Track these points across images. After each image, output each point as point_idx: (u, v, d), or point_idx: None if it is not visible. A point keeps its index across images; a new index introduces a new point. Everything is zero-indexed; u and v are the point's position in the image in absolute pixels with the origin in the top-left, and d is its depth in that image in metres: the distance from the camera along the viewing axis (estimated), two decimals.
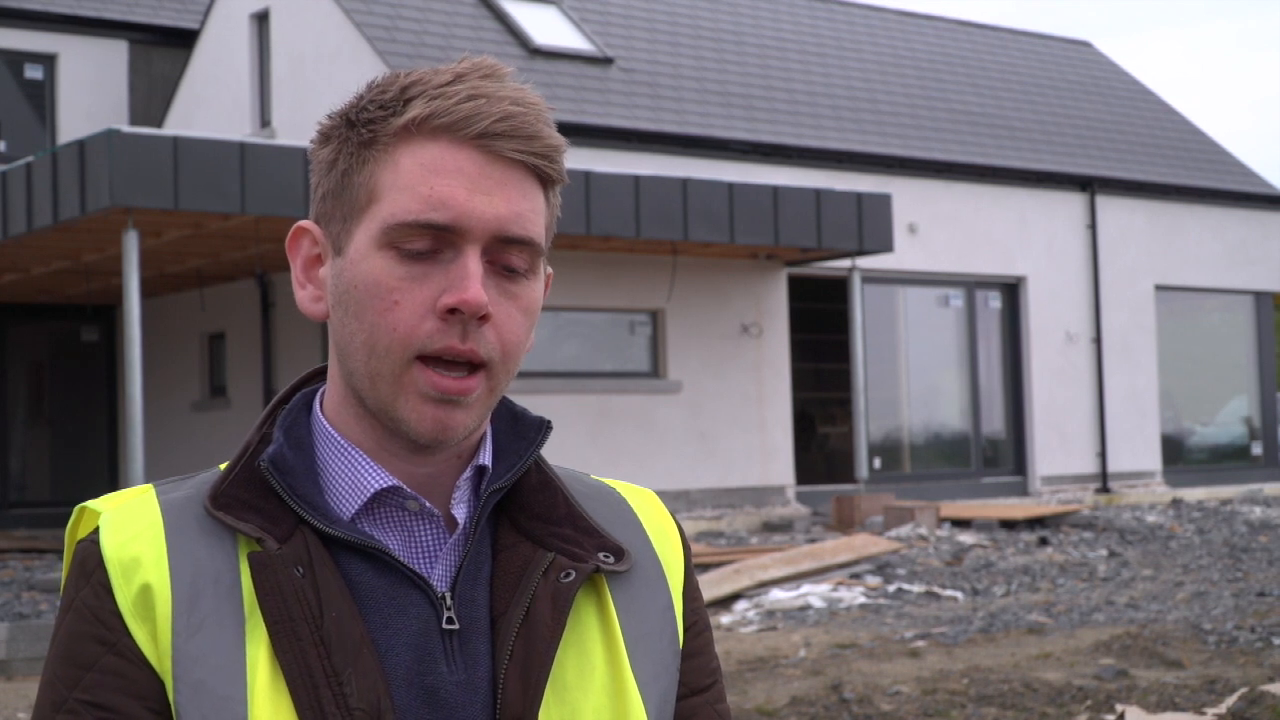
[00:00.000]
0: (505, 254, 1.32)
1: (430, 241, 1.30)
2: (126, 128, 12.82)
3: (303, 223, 1.40)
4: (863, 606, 10.74)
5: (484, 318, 1.30)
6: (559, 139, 1.35)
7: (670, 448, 16.75)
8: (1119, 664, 7.92)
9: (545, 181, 1.36)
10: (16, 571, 13.63)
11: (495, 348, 1.32)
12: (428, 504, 1.35)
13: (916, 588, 11.37)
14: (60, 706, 1.28)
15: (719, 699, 1.46)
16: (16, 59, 20.38)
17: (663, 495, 16.41)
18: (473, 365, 1.31)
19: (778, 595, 11.11)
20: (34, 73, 20.48)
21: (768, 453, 17.53)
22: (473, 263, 1.30)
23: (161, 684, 1.28)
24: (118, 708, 1.27)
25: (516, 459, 1.39)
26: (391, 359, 1.30)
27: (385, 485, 1.34)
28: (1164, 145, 22.87)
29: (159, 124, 20.07)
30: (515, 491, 1.40)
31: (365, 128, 1.34)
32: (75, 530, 1.38)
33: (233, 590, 1.29)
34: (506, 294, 1.33)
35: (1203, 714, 6.61)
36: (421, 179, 1.30)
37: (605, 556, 1.38)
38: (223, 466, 1.39)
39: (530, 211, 1.33)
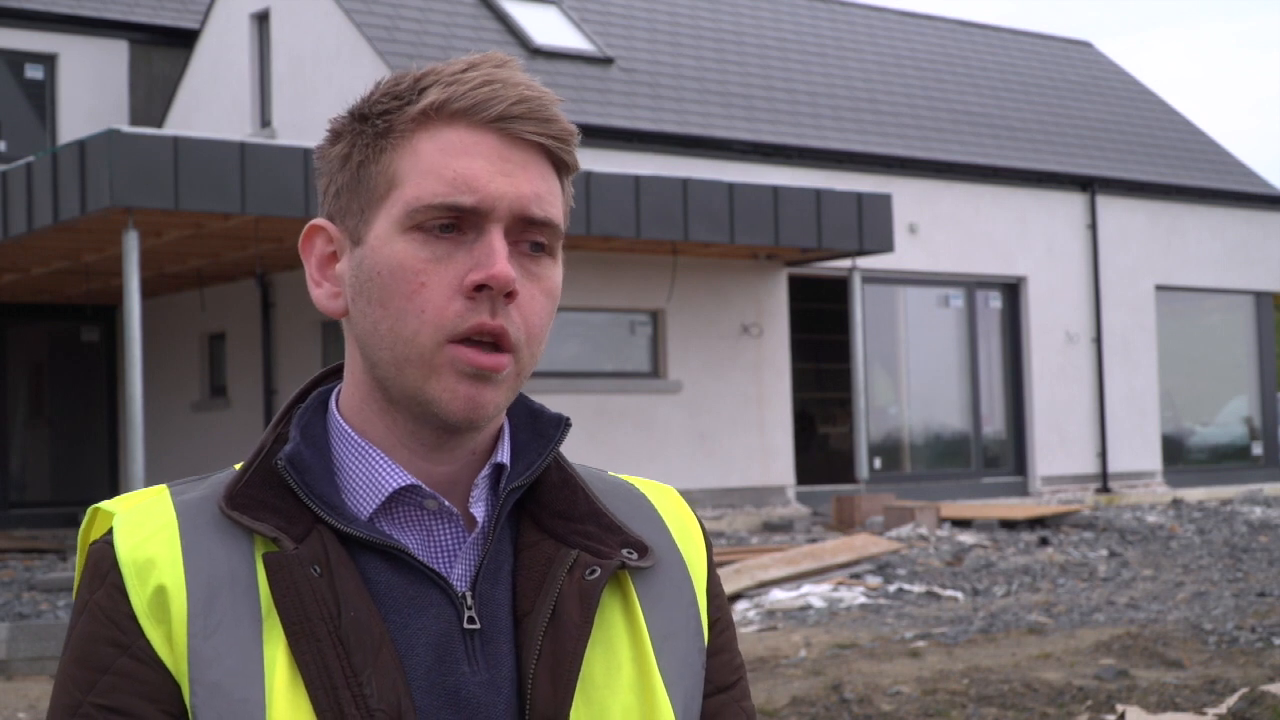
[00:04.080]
0: (527, 235, 1.33)
1: (454, 223, 1.30)
2: (127, 128, 12.83)
3: (316, 220, 1.39)
4: (863, 606, 10.73)
5: (511, 295, 1.30)
6: (572, 126, 1.36)
7: (670, 448, 16.75)
8: (1119, 664, 7.91)
9: (560, 167, 1.36)
10: (16, 571, 13.61)
11: (520, 328, 1.31)
12: (446, 502, 1.34)
13: (917, 588, 11.36)
14: (75, 711, 1.26)
15: (744, 695, 1.45)
16: (16, 59, 20.37)
17: None
18: (499, 346, 1.30)
19: (778, 595, 11.10)
20: (34, 73, 20.48)
21: (768, 453, 17.53)
22: (498, 241, 1.30)
23: (177, 686, 1.26)
24: (133, 711, 1.25)
25: (536, 456, 1.38)
26: (420, 342, 1.29)
27: (404, 484, 1.32)
28: (1164, 145, 22.87)
29: (159, 124, 20.07)
30: (536, 489, 1.39)
31: (380, 119, 1.33)
32: (88, 532, 1.36)
33: (249, 591, 1.28)
34: (529, 275, 1.33)
35: (1203, 714, 6.61)
36: (443, 162, 1.30)
37: (629, 553, 1.37)
38: (238, 467, 1.37)
39: (549, 194, 1.34)
